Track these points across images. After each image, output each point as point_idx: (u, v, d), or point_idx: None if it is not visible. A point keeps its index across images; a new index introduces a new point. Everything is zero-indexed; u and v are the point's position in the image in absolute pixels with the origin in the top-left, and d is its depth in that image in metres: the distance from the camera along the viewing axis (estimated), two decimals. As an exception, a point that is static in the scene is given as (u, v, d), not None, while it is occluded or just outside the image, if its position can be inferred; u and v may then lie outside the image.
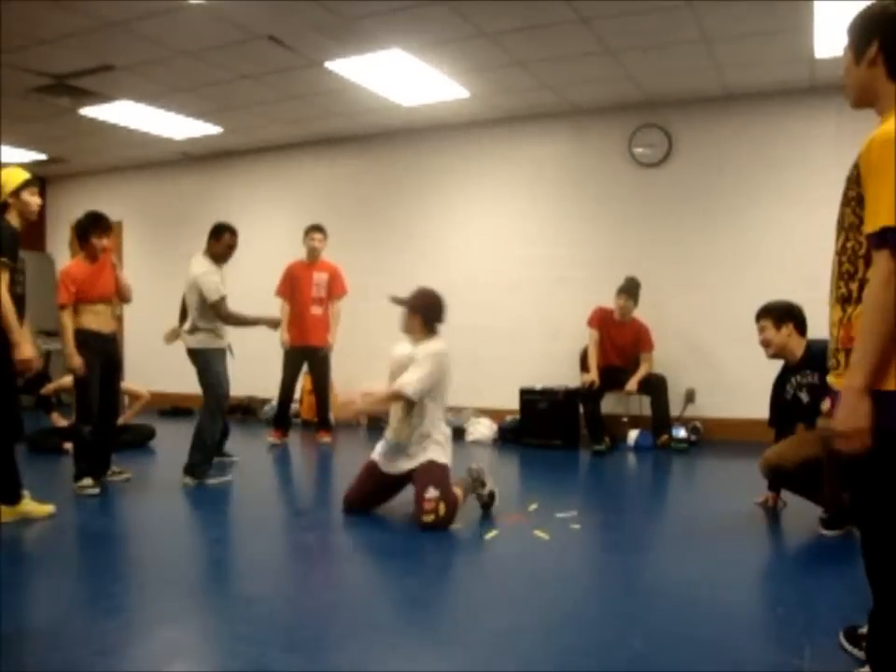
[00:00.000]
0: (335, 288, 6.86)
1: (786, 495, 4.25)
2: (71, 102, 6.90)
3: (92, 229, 4.87)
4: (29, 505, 4.16)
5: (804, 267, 5.81)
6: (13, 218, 4.16)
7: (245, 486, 5.23)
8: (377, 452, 4.36)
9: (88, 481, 4.83)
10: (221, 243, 5.37)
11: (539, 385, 6.86)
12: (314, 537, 4.08)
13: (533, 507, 4.45)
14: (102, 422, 4.97)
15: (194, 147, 8.92)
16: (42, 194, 4.42)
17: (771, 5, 4.86)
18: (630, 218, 7.25)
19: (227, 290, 5.36)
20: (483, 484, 4.35)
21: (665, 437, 6.49)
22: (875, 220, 1.77)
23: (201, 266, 5.26)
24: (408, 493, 4.68)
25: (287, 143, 8.73)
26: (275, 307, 6.76)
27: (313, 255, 6.84)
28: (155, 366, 9.19)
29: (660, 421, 6.56)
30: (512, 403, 6.95)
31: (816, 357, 3.80)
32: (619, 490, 5.52)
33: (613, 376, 6.60)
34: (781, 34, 5.38)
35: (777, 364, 4.19)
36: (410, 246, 8.19)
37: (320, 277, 6.80)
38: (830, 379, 2.03)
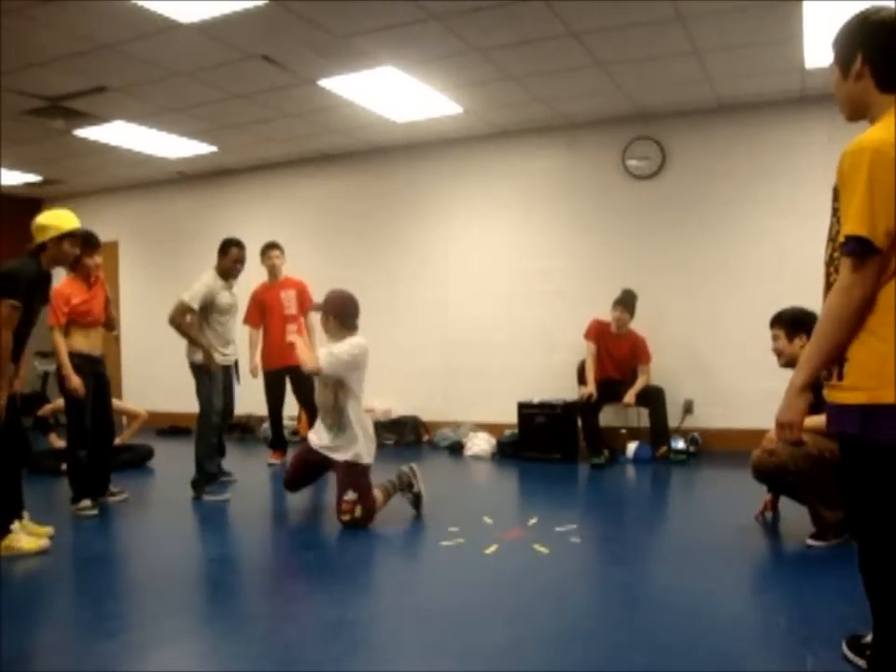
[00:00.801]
0: (305, 303, 6.72)
1: (783, 503, 4.24)
2: (65, 123, 6.92)
3: (81, 248, 4.78)
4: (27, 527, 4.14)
5: (797, 276, 5.80)
6: (44, 258, 4.11)
7: (242, 505, 5.21)
8: (312, 432, 4.72)
9: (86, 502, 4.81)
10: (228, 258, 5.40)
11: (536, 399, 6.85)
12: (311, 555, 4.07)
13: (532, 521, 4.45)
14: (99, 443, 4.95)
15: (189, 167, 8.94)
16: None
17: (761, 16, 4.89)
18: (625, 231, 7.27)
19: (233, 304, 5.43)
20: (410, 486, 4.68)
21: (663, 449, 6.47)
22: (843, 230, 1.79)
23: (201, 277, 5.29)
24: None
25: (282, 161, 8.76)
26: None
27: (274, 273, 6.75)
28: (152, 385, 9.21)
29: (658, 433, 6.55)
30: (510, 417, 6.94)
31: None
32: (618, 503, 5.50)
33: (611, 389, 6.60)
34: (771, 44, 5.42)
35: (775, 372, 4.18)
36: (406, 262, 8.20)
37: (288, 294, 6.70)
38: (824, 391, 2.00)
